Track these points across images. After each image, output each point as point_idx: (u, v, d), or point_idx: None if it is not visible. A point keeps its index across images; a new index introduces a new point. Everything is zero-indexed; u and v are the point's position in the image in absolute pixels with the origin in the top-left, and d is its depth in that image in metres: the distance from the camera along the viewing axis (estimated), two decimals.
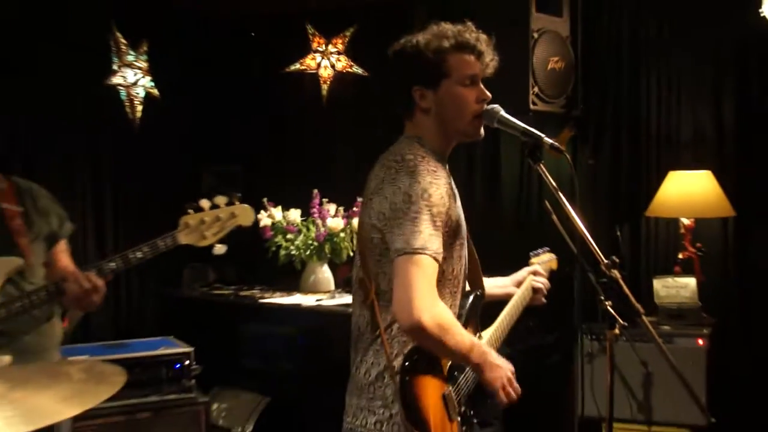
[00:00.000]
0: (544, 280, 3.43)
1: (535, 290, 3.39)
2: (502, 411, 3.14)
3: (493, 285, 3.28)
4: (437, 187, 2.71)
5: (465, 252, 2.95)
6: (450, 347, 2.68)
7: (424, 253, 2.61)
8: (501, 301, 3.32)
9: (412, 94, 2.87)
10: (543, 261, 3.58)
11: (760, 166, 5.76)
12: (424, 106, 2.87)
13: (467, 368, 2.88)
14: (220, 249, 3.61)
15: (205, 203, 3.52)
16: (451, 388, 2.84)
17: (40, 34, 5.32)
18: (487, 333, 3.04)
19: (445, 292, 2.85)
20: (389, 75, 2.97)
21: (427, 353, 2.76)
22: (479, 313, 3.04)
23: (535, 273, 3.41)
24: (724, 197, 5.48)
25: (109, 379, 2.67)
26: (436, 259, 2.64)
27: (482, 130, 2.97)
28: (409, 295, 2.60)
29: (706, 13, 5.76)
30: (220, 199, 3.55)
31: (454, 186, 2.91)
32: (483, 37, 2.90)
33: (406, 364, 2.76)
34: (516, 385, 2.84)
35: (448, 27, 2.88)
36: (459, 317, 2.94)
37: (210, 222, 3.51)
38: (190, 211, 3.51)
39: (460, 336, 2.70)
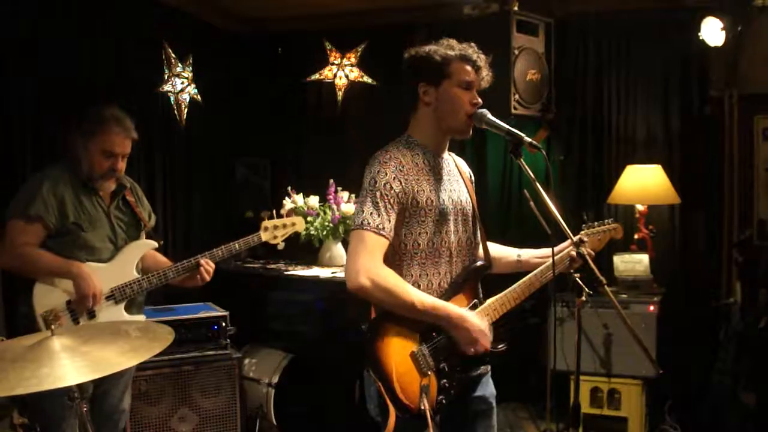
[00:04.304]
0: (588, 250, 2.97)
1: (573, 259, 2.98)
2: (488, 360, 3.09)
3: (533, 255, 3.19)
4: (384, 174, 2.82)
5: (441, 228, 2.94)
6: (393, 305, 2.76)
7: (363, 228, 2.75)
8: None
9: (418, 89, 2.94)
10: (595, 231, 3.29)
11: (699, 161, 5.82)
12: (426, 100, 2.94)
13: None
14: (281, 245, 4.63)
15: (275, 214, 4.45)
16: (423, 346, 2.85)
17: (108, 49, 5.33)
18: (488, 301, 3.00)
19: (413, 263, 2.91)
20: (402, 75, 3.01)
21: (396, 314, 2.82)
22: (477, 281, 3.04)
23: (580, 243, 2.94)
24: (671, 187, 5.51)
25: (160, 337, 2.70)
26: (377, 233, 2.75)
27: (470, 131, 3.00)
28: (350, 261, 2.76)
29: (656, 35, 5.82)
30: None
31: (438, 172, 2.98)
32: (482, 56, 2.98)
33: (373, 324, 2.84)
34: (484, 341, 2.85)
35: (455, 42, 2.96)
36: (451, 285, 2.97)
37: (280, 227, 4.26)
38: (265, 217, 4.29)
39: (405, 295, 2.75)
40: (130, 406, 4.08)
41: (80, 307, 3.52)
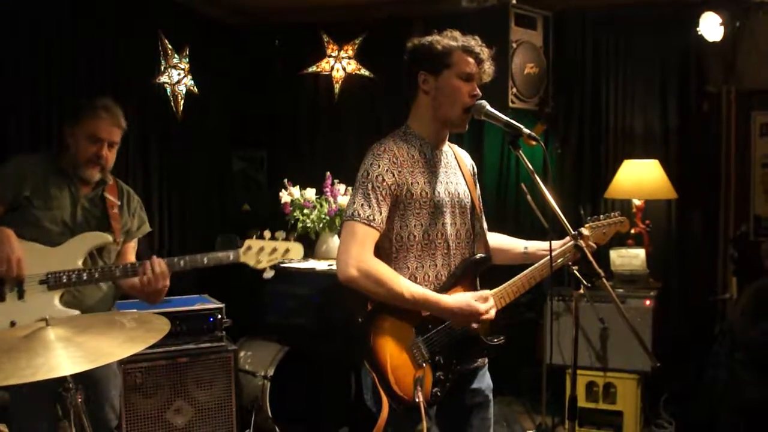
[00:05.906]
0: (589, 243, 2.92)
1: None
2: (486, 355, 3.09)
3: (539, 248, 3.17)
4: (377, 166, 2.83)
5: (437, 220, 2.94)
6: (383, 294, 2.77)
7: (353, 219, 2.78)
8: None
9: (418, 78, 2.94)
10: (599, 225, 3.23)
11: (697, 157, 5.83)
12: (425, 89, 2.94)
13: (444, 323, 2.89)
14: (269, 273, 3.66)
15: (266, 233, 3.61)
16: (419, 338, 2.86)
17: (105, 41, 5.33)
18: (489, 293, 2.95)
19: (409, 255, 2.91)
20: (403, 64, 3.00)
21: (391, 307, 2.82)
22: (476, 274, 3.03)
23: (578, 236, 2.80)
24: (669, 182, 5.51)
25: (156, 328, 2.69)
26: (367, 224, 2.77)
27: (466, 125, 2.99)
28: (340, 253, 2.78)
29: (654, 30, 5.83)
30: (280, 234, 3.67)
31: (435, 164, 2.98)
32: (486, 49, 2.98)
33: (368, 315, 2.84)
34: (488, 314, 2.83)
35: (458, 34, 2.95)
36: (449, 277, 2.96)
37: (268, 251, 3.59)
38: (254, 236, 3.60)
39: (395, 285, 2.75)
40: (116, 420, 3.77)
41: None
